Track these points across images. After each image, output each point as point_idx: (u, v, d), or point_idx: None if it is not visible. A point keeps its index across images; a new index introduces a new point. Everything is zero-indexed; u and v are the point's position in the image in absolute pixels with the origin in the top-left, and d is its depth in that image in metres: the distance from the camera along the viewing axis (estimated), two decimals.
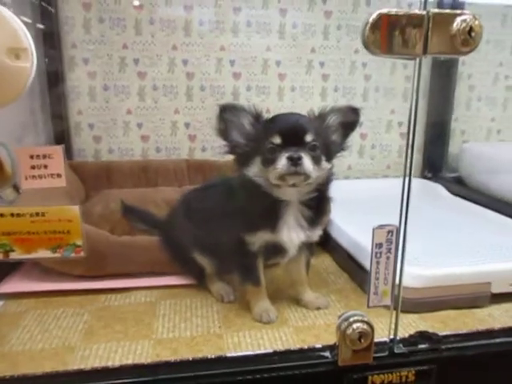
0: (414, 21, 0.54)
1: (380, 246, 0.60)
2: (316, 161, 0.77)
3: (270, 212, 0.81)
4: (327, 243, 1.16)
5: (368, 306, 0.64)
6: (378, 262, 0.61)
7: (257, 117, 0.80)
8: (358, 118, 0.88)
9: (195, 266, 0.94)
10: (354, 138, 1.67)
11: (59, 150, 0.51)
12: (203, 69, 1.53)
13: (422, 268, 0.89)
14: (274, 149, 0.76)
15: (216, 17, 1.50)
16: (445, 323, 0.84)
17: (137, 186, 1.41)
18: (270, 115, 0.84)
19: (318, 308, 0.90)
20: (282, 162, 0.74)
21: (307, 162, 0.75)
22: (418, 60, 0.56)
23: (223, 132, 0.80)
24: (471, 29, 0.53)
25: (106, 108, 1.51)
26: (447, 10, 0.55)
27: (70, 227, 0.53)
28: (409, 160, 0.61)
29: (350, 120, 0.86)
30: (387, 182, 1.61)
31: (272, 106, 1.59)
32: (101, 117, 1.51)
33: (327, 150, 0.81)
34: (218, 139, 1.63)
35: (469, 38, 0.54)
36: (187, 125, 1.56)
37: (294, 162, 0.74)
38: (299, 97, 1.61)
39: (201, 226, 0.91)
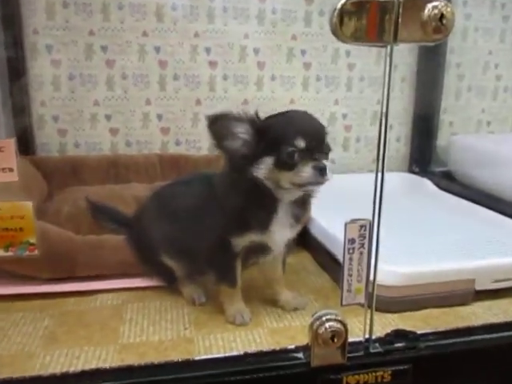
0: (384, 7, 0.55)
1: (352, 241, 0.62)
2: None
3: (264, 212, 0.82)
4: (307, 241, 1.18)
5: (341, 305, 0.66)
6: (350, 258, 0.63)
7: (250, 121, 0.78)
8: None
9: (164, 267, 0.95)
10: (338, 131, 1.70)
11: (10, 143, 0.52)
12: (177, 57, 1.53)
13: (402, 265, 0.91)
14: (294, 153, 0.76)
15: (190, 1, 1.51)
16: (426, 322, 0.87)
17: (105, 182, 1.41)
18: (274, 112, 0.83)
19: (296, 308, 0.92)
20: (308, 171, 0.75)
21: (328, 171, 0.77)
22: (388, 48, 0.58)
23: (217, 142, 0.78)
24: (442, 15, 0.55)
25: (71, 99, 1.50)
26: None
27: (23, 224, 0.54)
28: (381, 153, 0.62)
29: None
30: (373, 176, 1.63)
31: (250, 96, 1.60)
32: (66, 108, 1.50)
33: None
34: (193, 132, 1.64)
35: (440, 25, 0.56)
36: (160, 117, 1.56)
37: (321, 171, 0.75)
38: (279, 87, 1.62)
39: (173, 224, 0.92)
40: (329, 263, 1.07)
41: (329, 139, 1.78)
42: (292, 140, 0.76)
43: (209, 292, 0.95)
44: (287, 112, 0.83)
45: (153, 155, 1.51)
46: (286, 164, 0.77)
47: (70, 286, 0.97)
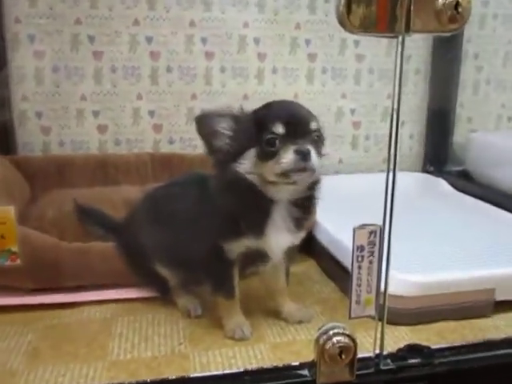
0: None
1: (361, 248, 0.62)
2: (319, 153, 0.79)
3: (256, 214, 0.82)
4: (312, 248, 1.18)
5: (350, 317, 0.66)
6: (359, 267, 0.63)
7: (234, 117, 0.82)
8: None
9: (157, 277, 0.95)
10: (346, 128, 1.70)
11: None
12: (170, 47, 1.54)
13: (415, 274, 0.91)
14: (274, 140, 0.77)
15: None
16: (441, 336, 0.87)
17: (93, 184, 1.41)
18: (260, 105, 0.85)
19: (300, 321, 0.92)
20: (289, 157, 0.76)
21: (314, 156, 0.77)
22: (400, 39, 0.58)
23: (207, 142, 0.82)
24: (458, 3, 0.55)
25: (55, 93, 1.50)
26: None
27: (4, 231, 0.54)
28: (392, 151, 0.63)
29: None
30: (384, 177, 1.64)
31: (250, 91, 1.60)
32: (50, 104, 1.51)
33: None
34: (187, 129, 1.65)
35: (456, 14, 0.56)
36: (152, 113, 1.57)
37: (304, 156, 0.76)
38: (282, 80, 1.62)
39: (166, 230, 0.93)
40: (336, 272, 1.07)
41: (335, 136, 1.77)
42: (270, 126, 0.77)
43: (205, 304, 0.95)
44: (269, 102, 0.85)
45: (144, 154, 1.52)
46: (267, 153, 0.78)
47: (55, 297, 0.97)
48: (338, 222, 1.16)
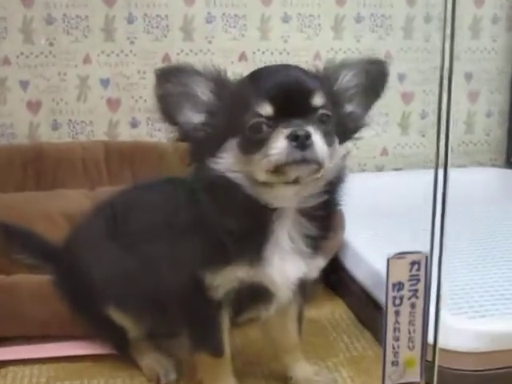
0: None
1: (399, 286, 0.64)
2: (329, 140, 0.80)
3: (247, 229, 0.83)
4: (340, 282, 1.21)
5: None
6: (396, 313, 0.64)
7: (220, 81, 0.84)
8: (385, 78, 0.91)
9: (113, 325, 0.97)
10: (392, 102, 1.71)
11: None
12: None
13: (483, 319, 0.93)
14: (261, 124, 0.79)
15: None
16: None
17: (21, 188, 1.44)
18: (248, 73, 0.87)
19: None
20: (280, 145, 0.76)
21: (319, 142, 0.78)
22: None
23: (168, 111, 0.83)
24: None
25: None
26: None
27: None
28: (443, 140, 0.64)
29: (372, 80, 0.90)
30: (451, 175, 1.64)
31: (250, 48, 1.62)
32: None
33: (340, 127, 0.85)
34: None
35: None
36: (105, 82, 1.59)
37: (300, 142, 0.76)
38: (297, 32, 1.64)
39: (126, 256, 0.95)
40: (374, 317, 1.08)
41: (376, 114, 1.77)
42: (254, 107, 0.79)
43: (181, 364, 0.98)
44: (256, 70, 0.87)
45: (95, 144, 1.54)
46: (251, 143, 0.79)
47: None
48: (377, 244, 1.18)
